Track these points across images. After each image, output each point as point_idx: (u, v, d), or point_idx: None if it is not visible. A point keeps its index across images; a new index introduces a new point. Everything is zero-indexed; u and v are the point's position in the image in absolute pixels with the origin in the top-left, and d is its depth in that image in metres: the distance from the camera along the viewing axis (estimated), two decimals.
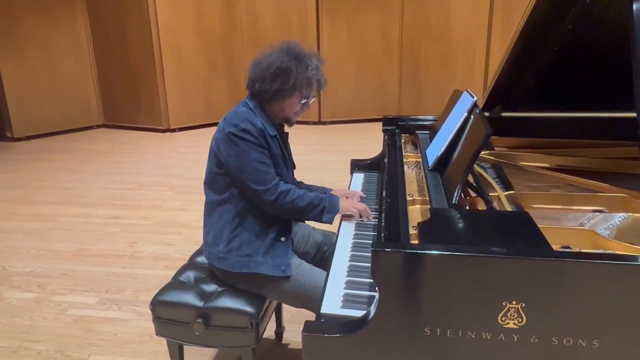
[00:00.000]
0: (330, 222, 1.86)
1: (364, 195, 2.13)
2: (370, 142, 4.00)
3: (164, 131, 6.50)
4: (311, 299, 1.74)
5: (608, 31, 1.79)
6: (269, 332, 2.34)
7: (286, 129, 1.95)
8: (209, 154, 1.85)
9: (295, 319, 2.45)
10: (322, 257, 2.03)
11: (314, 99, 1.87)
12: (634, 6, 1.38)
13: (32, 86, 6.21)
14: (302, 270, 1.82)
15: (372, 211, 1.94)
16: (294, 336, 2.38)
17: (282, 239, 1.85)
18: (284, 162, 1.88)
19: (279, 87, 1.75)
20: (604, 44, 1.85)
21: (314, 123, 6.70)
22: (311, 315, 1.44)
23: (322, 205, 1.84)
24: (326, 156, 5.29)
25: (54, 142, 6.26)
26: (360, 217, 1.90)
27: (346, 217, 1.90)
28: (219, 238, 1.83)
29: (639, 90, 1.29)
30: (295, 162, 2.05)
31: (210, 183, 1.87)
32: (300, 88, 1.78)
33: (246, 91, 1.86)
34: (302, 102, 1.83)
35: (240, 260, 1.80)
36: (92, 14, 6.42)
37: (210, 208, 1.87)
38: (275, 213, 1.81)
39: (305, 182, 2.14)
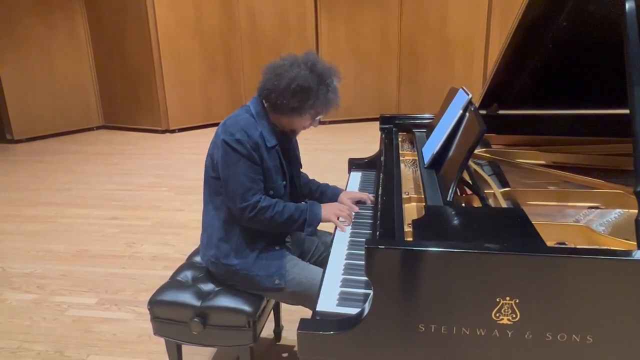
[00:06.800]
0: (313, 235, 1.84)
1: (372, 199, 1.99)
2: (369, 141, 4.00)
3: (163, 132, 6.51)
4: (309, 297, 1.73)
5: (602, 28, 1.80)
6: (268, 331, 2.34)
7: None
8: (207, 156, 1.84)
9: (293, 318, 2.45)
10: (319, 257, 2.03)
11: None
12: (627, 4, 1.39)
13: (32, 88, 6.22)
14: (299, 268, 1.81)
15: (369, 210, 1.94)
16: (292, 335, 2.38)
17: (277, 247, 1.83)
18: (281, 173, 1.83)
19: (296, 105, 1.70)
20: (598, 41, 1.85)
21: None
22: (309, 314, 1.44)
23: (303, 217, 1.79)
24: (326, 155, 5.28)
25: (53, 144, 6.26)
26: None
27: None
28: (210, 243, 1.83)
29: (631, 87, 1.29)
30: None
31: (207, 185, 1.86)
32: (316, 108, 1.74)
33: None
34: (315, 119, 1.80)
35: (230, 269, 1.80)
36: (91, 16, 6.43)
37: (206, 210, 1.88)
38: (254, 227, 1.78)
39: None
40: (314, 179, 2.13)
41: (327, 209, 1.85)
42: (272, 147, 1.77)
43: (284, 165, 1.84)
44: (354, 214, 1.90)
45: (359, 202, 2.01)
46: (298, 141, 2.04)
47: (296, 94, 1.69)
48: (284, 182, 1.85)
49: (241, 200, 1.71)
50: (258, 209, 1.72)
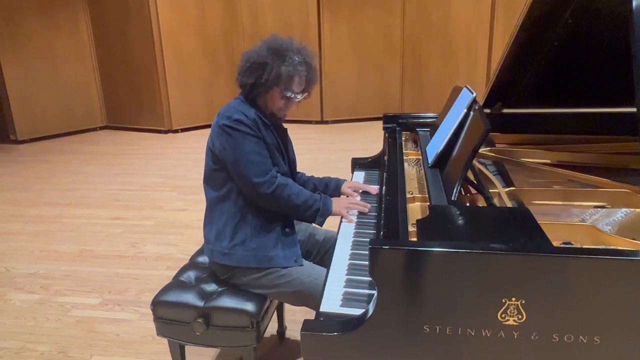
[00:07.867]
0: (321, 225, 1.86)
1: (376, 192, 2.04)
2: (372, 140, 3.99)
3: (166, 132, 6.51)
4: (312, 296, 1.73)
5: (608, 26, 1.78)
6: (271, 331, 2.33)
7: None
8: (206, 151, 1.85)
9: (297, 318, 2.44)
10: (322, 256, 2.02)
11: (303, 96, 1.82)
12: (634, 1, 1.37)
13: (35, 89, 6.24)
14: (302, 268, 1.81)
15: (372, 210, 1.93)
16: (296, 335, 2.38)
17: (287, 229, 1.85)
18: (280, 152, 1.85)
19: (254, 82, 1.74)
20: (604, 39, 1.84)
21: (317, 122, 6.69)
22: (312, 314, 1.43)
23: (316, 206, 1.83)
24: (328, 155, 5.28)
25: (57, 144, 6.27)
26: (364, 212, 1.88)
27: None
28: (222, 234, 1.82)
29: (638, 85, 1.28)
30: (297, 161, 2.04)
31: (208, 180, 1.86)
32: (276, 83, 1.74)
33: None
34: (285, 97, 1.78)
35: (246, 254, 1.79)
36: (94, 17, 6.44)
37: (211, 205, 1.87)
38: (271, 207, 1.80)
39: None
40: (312, 175, 2.13)
41: (337, 203, 1.89)
42: (268, 126, 1.80)
43: (282, 146, 1.87)
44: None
45: (363, 193, 2.04)
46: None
47: (252, 70, 1.73)
48: (285, 162, 1.88)
49: (256, 177, 1.73)
50: (276, 185, 1.75)
